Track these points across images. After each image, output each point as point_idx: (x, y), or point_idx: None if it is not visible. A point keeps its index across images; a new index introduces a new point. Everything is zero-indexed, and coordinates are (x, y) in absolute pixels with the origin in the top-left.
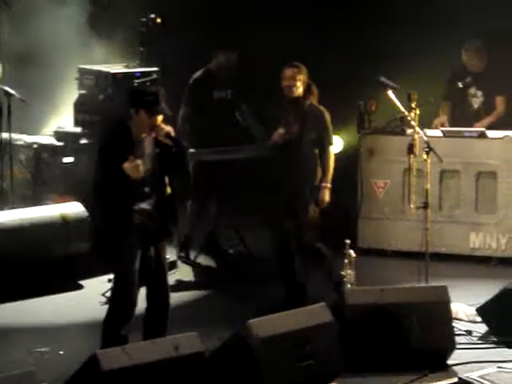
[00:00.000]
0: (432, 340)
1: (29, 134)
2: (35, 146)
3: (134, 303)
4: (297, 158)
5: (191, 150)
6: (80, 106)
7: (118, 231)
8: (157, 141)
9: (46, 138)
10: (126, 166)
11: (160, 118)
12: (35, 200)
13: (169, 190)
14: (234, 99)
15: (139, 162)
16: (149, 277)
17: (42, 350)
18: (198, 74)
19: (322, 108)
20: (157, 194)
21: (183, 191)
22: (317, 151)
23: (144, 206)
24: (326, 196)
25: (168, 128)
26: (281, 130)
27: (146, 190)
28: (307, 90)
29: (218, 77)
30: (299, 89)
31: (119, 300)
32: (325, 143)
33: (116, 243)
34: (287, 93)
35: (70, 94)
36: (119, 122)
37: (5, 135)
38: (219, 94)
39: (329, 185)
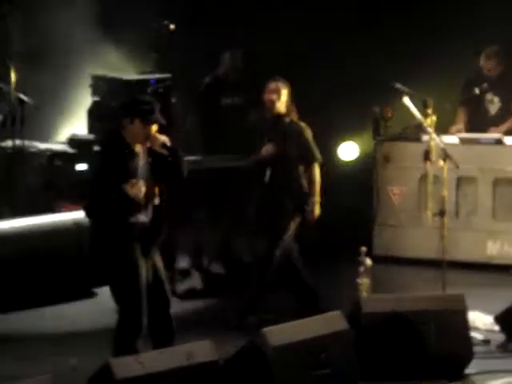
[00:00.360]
0: (450, 349)
1: (42, 141)
2: (48, 153)
3: (142, 315)
4: (279, 174)
5: (197, 158)
6: (93, 113)
7: (119, 244)
8: (150, 150)
9: (59, 145)
10: (129, 189)
11: (154, 127)
12: (48, 207)
13: (157, 200)
14: (243, 105)
15: (141, 183)
16: (148, 288)
17: (57, 357)
18: (205, 81)
19: (302, 124)
20: (151, 204)
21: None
22: (302, 168)
23: (142, 218)
24: (316, 210)
25: (163, 138)
26: (269, 146)
27: (141, 201)
28: (288, 106)
29: (225, 83)
30: (282, 105)
31: (128, 314)
32: (309, 159)
33: (117, 257)
34: (269, 108)
35: (84, 101)
36: (113, 133)
37: (18, 142)
38: (227, 100)
39: (318, 198)
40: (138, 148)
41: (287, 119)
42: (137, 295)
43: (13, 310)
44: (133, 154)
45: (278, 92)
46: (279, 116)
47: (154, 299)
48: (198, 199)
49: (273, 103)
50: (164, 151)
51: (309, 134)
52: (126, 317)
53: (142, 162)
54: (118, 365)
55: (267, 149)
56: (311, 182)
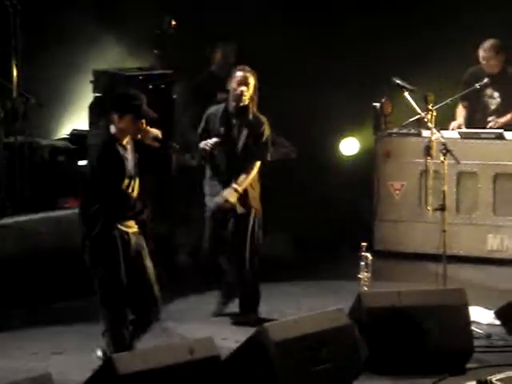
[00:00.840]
0: (450, 343)
1: (44, 137)
2: (50, 149)
3: (125, 307)
4: (240, 168)
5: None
6: (95, 109)
7: (108, 239)
8: (137, 144)
9: (61, 141)
10: None
11: (144, 121)
12: (51, 203)
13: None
14: None
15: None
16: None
17: (60, 352)
18: (199, 77)
19: (264, 119)
20: (140, 199)
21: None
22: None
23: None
24: (231, 196)
25: (155, 131)
26: (214, 139)
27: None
28: (252, 97)
29: (220, 78)
30: (247, 96)
31: (112, 304)
32: (258, 153)
33: (107, 249)
34: (236, 100)
35: (86, 97)
36: (104, 130)
37: (20, 138)
38: (222, 95)
39: (240, 188)
40: (126, 141)
41: (251, 111)
42: (117, 284)
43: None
44: (123, 149)
45: (245, 83)
46: (245, 107)
47: (141, 298)
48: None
49: (240, 96)
50: (156, 144)
51: (269, 129)
52: (109, 304)
53: (130, 155)
54: (120, 360)
55: (215, 142)
56: (246, 172)
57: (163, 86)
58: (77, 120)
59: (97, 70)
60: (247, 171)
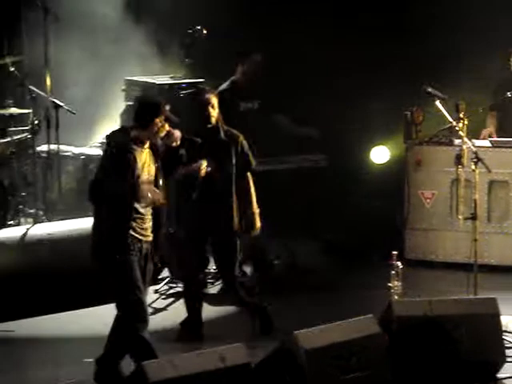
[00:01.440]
0: (482, 352)
1: (76, 145)
2: (82, 157)
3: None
4: (226, 190)
5: None
6: (127, 118)
7: (125, 245)
8: (156, 151)
9: (93, 149)
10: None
11: (166, 124)
12: (83, 211)
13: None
14: (262, 109)
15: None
16: None
17: (91, 360)
18: (223, 86)
19: (236, 132)
20: (161, 205)
21: None
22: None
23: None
24: (257, 222)
25: (178, 133)
26: (204, 163)
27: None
28: (218, 115)
29: (244, 88)
30: (215, 116)
31: (135, 311)
32: (247, 167)
33: (123, 257)
34: (206, 122)
35: (117, 106)
36: (123, 132)
37: (53, 147)
38: (246, 105)
39: (256, 209)
40: (147, 145)
41: (221, 129)
42: (139, 293)
43: (55, 312)
44: (141, 152)
45: (213, 105)
46: (215, 127)
47: None
48: None
49: (209, 118)
50: (177, 144)
51: (244, 140)
52: (132, 308)
53: (148, 159)
54: (151, 367)
55: (202, 167)
56: (247, 191)
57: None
58: (109, 128)
59: (128, 79)
60: (248, 188)
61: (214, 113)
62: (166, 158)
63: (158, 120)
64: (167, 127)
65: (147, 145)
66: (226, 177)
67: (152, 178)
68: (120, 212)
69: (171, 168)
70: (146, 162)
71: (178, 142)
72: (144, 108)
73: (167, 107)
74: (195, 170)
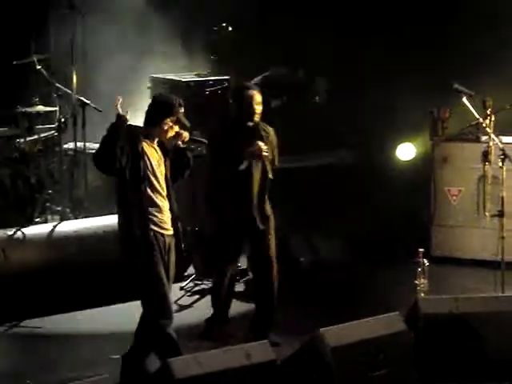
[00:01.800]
0: (509, 350)
1: None
2: None
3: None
4: (265, 180)
5: None
6: None
7: (148, 240)
8: (164, 149)
9: None
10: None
11: (177, 126)
12: (109, 208)
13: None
14: (288, 106)
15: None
16: None
17: (117, 357)
18: (254, 81)
19: (270, 128)
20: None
21: None
22: None
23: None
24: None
25: (186, 134)
26: (261, 143)
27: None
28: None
29: (274, 84)
30: (259, 113)
31: (160, 308)
32: (274, 162)
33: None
34: (256, 118)
35: (143, 103)
36: (134, 126)
37: (79, 144)
38: (276, 102)
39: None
40: (156, 143)
41: (261, 125)
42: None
43: (79, 309)
44: (151, 147)
45: (259, 102)
46: (257, 123)
47: None
48: None
49: (255, 114)
50: (188, 145)
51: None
52: (157, 306)
53: (157, 156)
54: (177, 364)
55: (263, 146)
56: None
57: (220, 91)
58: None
59: (154, 76)
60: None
61: (259, 110)
62: (173, 158)
63: (168, 120)
64: (177, 129)
65: (156, 142)
66: (263, 172)
67: (161, 173)
68: (135, 202)
69: (178, 169)
70: (154, 157)
71: (186, 139)
72: (157, 106)
73: (181, 110)
74: (254, 152)
